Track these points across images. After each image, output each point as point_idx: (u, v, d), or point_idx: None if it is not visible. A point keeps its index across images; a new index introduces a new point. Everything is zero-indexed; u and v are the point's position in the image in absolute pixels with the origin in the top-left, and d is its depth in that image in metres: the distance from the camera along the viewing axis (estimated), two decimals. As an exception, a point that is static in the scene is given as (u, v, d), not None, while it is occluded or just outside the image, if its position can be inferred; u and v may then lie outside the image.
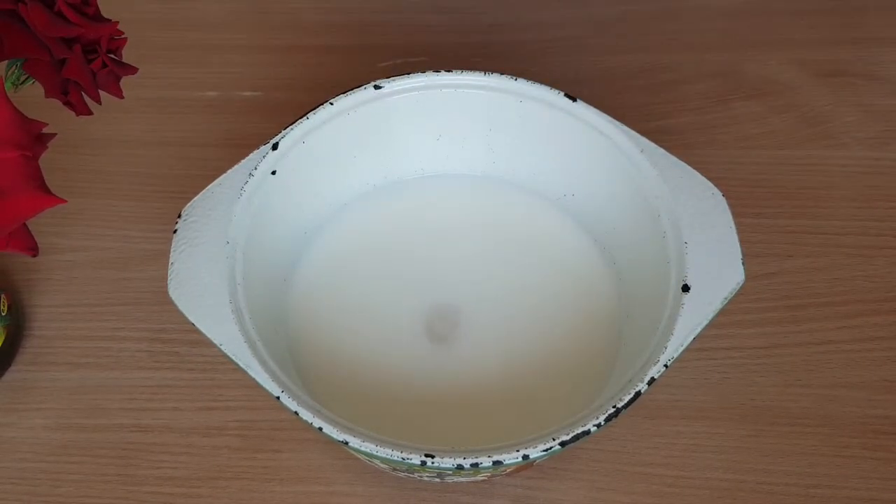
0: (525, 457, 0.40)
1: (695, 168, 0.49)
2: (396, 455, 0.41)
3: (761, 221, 0.61)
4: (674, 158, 0.50)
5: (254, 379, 0.43)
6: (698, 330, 0.44)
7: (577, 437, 0.41)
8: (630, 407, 0.42)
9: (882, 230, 0.61)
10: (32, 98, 0.45)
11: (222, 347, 0.44)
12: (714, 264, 0.46)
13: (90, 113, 0.46)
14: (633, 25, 0.74)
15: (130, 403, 0.55)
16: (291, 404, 0.42)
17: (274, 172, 0.51)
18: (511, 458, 0.41)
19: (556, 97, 0.52)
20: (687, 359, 0.55)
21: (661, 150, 0.50)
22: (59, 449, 0.53)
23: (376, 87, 0.53)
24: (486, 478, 0.49)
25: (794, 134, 0.66)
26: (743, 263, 0.46)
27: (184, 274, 0.46)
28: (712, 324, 0.45)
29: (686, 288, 0.45)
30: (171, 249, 0.47)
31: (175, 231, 0.48)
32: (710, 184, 0.49)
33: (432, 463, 0.40)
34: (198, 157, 0.65)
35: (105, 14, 0.45)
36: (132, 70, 0.47)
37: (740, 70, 0.71)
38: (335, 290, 0.54)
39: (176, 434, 0.54)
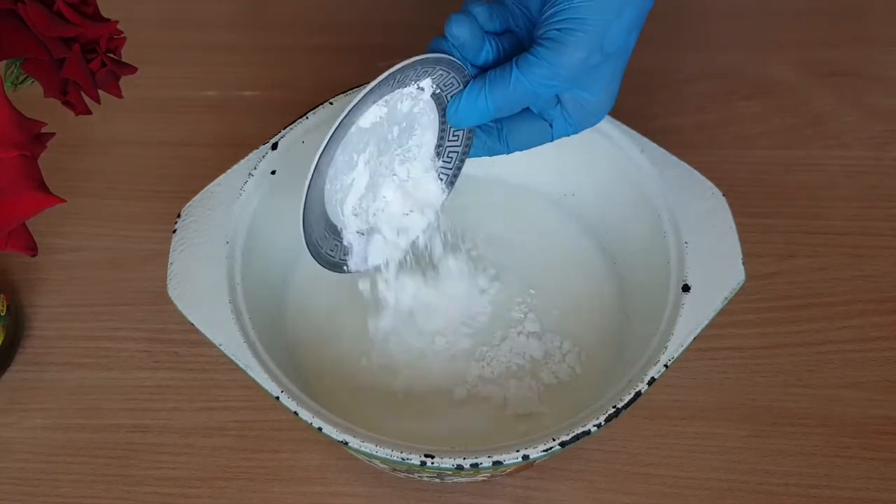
0: (525, 457, 0.40)
1: (695, 168, 0.49)
2: (396, 455, 0.41)
3: (761, 221, 0.61)
4: (674, 158, 0.50)
5: (253, 379, 0.43)
6: (699, 330, 0.44)
7: (577, 438, 0.41)
8: (630, 407, 0.42)
9: (882, 230, 0.61)
10: (31, 97, 0.45)
11: (222, 347, 0.44)
12: (714, 264, 0.46)
13: (89, 112, 0.46)
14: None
15: (130, 404, 0.55)
16: (291, 404, 0.42)
17: (273, 172, 0.51)
18: (511, 458, 0.40)
19: (556, 97, 0.52)
20: (687, 359, 0.55)
21: (662, 150, 0.50)
22: (59, 449, 0.53)
23: (376, 87, 0.53)
24: (485, 478, 0.49)
25: (794, 134, 0.66)
26: (743, 263, 0.46)
27: (183, 274, 0.46)
28: (712, 324, 0.44)
29: (686, 288, 0.45)
30: (171, 249, 0.47)
31: (174, 231, 0.48)
32: (710, 184, 0.49)
33: (432, 463, 0.40)
34: (197, 157, 0.65)
35: (104, 14, 0.45)
36: (131, 70, 0.47)
37: (740, 70, 0.71)
38: (334, 289, 0.54)
39: (175, 434, 0.53)
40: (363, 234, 0.49)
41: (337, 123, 0.42)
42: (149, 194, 0.63)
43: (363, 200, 0.48)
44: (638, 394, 0.42)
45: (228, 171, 0.50)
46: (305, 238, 0.45)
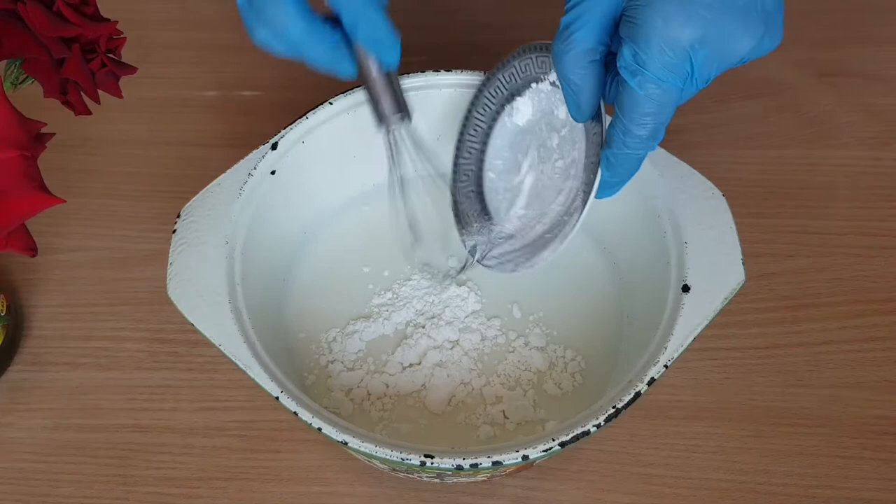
0: (525, 457, 0.40)
1: (695, 168, 0.49)
2: (396, 455, 0.41)
3: (761, 221, 0.61)
4: (674, 158, 0.50)
5: (253, 379, 0.43)
6: (698, 330, 0.44)
7: (576, 438, 0.41)
8: (630, 407, 0.42)
9: (882, 230, 0.61)
10: (31, 98, 0.45)
11: (222, 348, 0.44)
12: (714, 264, 0.46)
13: (89, 112, 0.46)
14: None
15: (129, 403, 0.55)
16: (290, 404, 0.42)
17: (273, 172, 0.51)
18: (511, 458, 0.40)
19: (556, 97, 0.52)
20: (687, 359, 0.55)
21: (661, 150, 0.50)
22: (58, 449, 0.53)
23: (376, 87, 0.53)
24: (485, 478, 0.49)
25: (794, 134, 0.66)
26: (743, 263, 0.46)
27: (183, 274, 0.46)
28: (712, 324, 0.44)
29: (686, 288, 0.45)
30: (171, 249, 0.47)
31: (174, 231, 0.48)
32: (710, 184, 0.49)
33: (432, 463, 0.40)
34: (197, 157, 0.65)
35: (104, 14, 0.45)
36: (131, 70, 0.47)
37: (740, 70, 0.70)
38: (334, 290, 0.54)
39: (175, 434, 0.53)
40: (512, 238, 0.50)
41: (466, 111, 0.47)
42: (149, 194, 0.63)
43: (529, 209, 0.49)
44: (637, 394, 0.42)
45: (228, 171, 0.50)
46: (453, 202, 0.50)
